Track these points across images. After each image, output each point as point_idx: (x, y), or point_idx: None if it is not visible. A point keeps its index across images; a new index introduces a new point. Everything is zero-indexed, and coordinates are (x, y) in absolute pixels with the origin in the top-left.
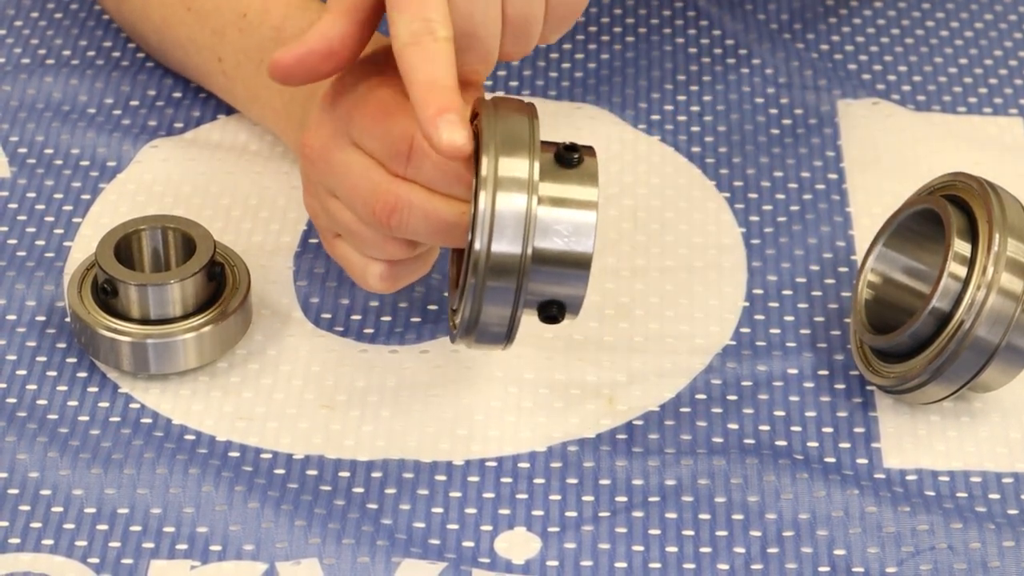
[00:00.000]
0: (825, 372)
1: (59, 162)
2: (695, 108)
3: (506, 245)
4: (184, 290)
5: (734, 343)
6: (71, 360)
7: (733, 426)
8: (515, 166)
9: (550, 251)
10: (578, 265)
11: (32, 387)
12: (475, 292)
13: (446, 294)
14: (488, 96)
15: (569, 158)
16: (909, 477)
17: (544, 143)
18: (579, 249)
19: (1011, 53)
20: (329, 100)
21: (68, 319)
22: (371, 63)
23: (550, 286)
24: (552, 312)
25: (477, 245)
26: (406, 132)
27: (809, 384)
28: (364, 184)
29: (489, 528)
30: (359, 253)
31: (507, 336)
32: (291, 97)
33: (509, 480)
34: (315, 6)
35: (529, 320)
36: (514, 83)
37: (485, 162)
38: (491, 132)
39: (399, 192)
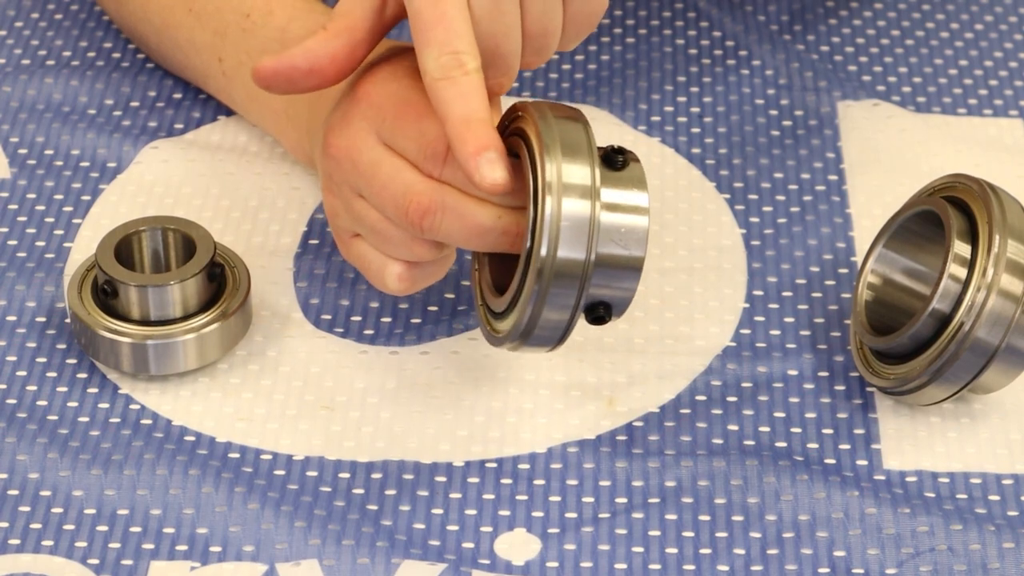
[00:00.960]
0: (825, 373)
1: (59, 163)
2: (695, 109)
3: (571, 251)
4: (184, 291)
5: (734, 344)
6: (71, 361)
7: (733, 427)
8: (578, 172)
9: (611, 256)
10: (632, 268)
11: (32, 388)
12: (537, 298)
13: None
14: (528, 100)
15: (616, 160)
16: (909, 478)
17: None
18: (635, 253)
19: (1011, 55)
20: (355, 98)
21: (68, 320)
22: (398, 59)
23: (604, 289)
24: (600, 313)
25: (543, 251)
26: (441, 133)
27: (809, 385)
28: (395, 185)
29: (489, 529)
30: (380, 252)
31: (560, 339)
32: (292, 99)
33: (509, 481)
34: (320, 7)
35: None
36: (514, 84)
37: (549, 167)
38: (551, 137)
39: (433, 194)
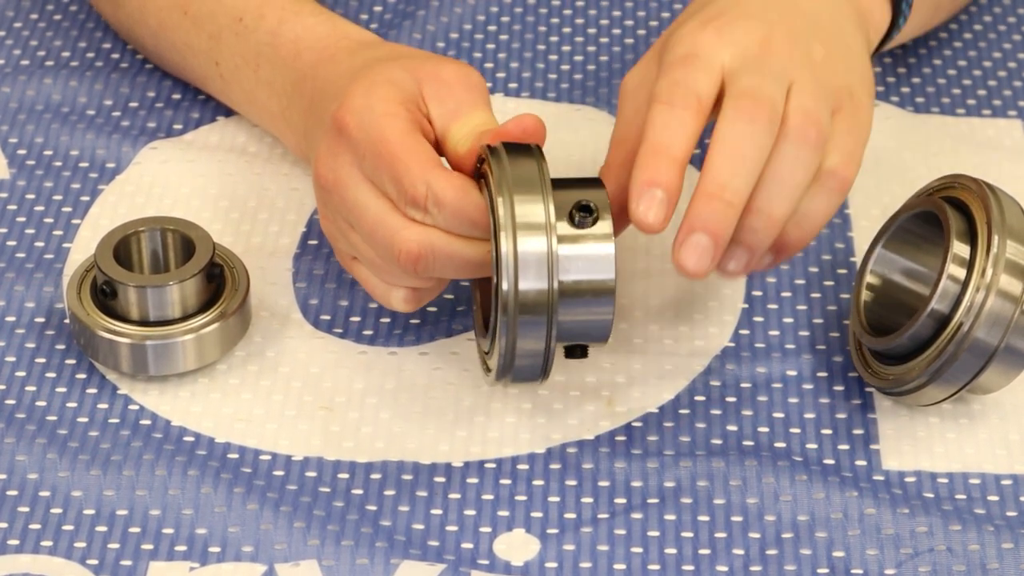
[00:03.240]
0: (824, 374)
1: (58, 164)
2: None
3: (532, 283)
4: (183, 292)
5: (733, 345)
6: (70, 361)
7: (732, 428)
8: (532, 208)
9: (576, 283)
10: (604, 292)
11: (31, 388)
12: (507, 330)
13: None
14: (489, 142)
15: (583, 220)
16: (908, 479)
17: (555, 181)
18: (603, 278)
19: (1010, 55)
20: (337, 129)
21: (67, 320)
22: (377, 81)
23: (577, 315)
24: (576, 354)
25: (504, 286)
26: (419, 179)
27: (808, 386)
28: (383, 230)
29: (488, 529)
30: (381, 281)
31: (543, 370)
32: (288, 103)
33: (508, 481)
34: (308, 8)
35: None
36: (513, 84)
37: (502, 206)
38: (504, 177)
39: (420, 239)
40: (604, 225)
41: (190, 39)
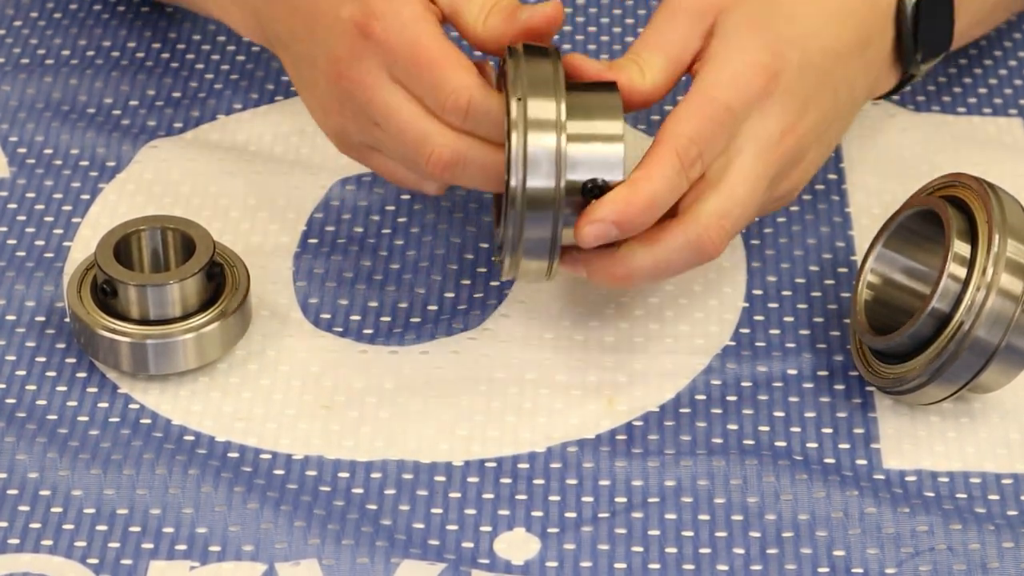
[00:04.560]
0: (825, 373)
1: (58, 162)
2: None
3: (540, 181)
4: (183, 290)
5: (734, 344)
6: (70, 360)
7: (733, 427)
8: (543, 107)
9: (583, 183)
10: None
11: (31, 387)
12: (516, 222)
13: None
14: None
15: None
16: (909, 478)
17: (571, 85)
18: (613, 179)
19: (1010, 54)
20: (363, 34)
21: (67, 319)
22: None
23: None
24: (596, 193)
25: (513, 182)
26: (462, 85)
27: (808, 385)
28: (414, 132)
29: (488, 529)
30: (411, 171)
31: (549, 266)
32: None
33: (508, 481)
34: None
35: (529, 323)
36: None
37: (515, 106)
38: (519, 77)
39: (455, 146)
40: (614, 126)
41: None
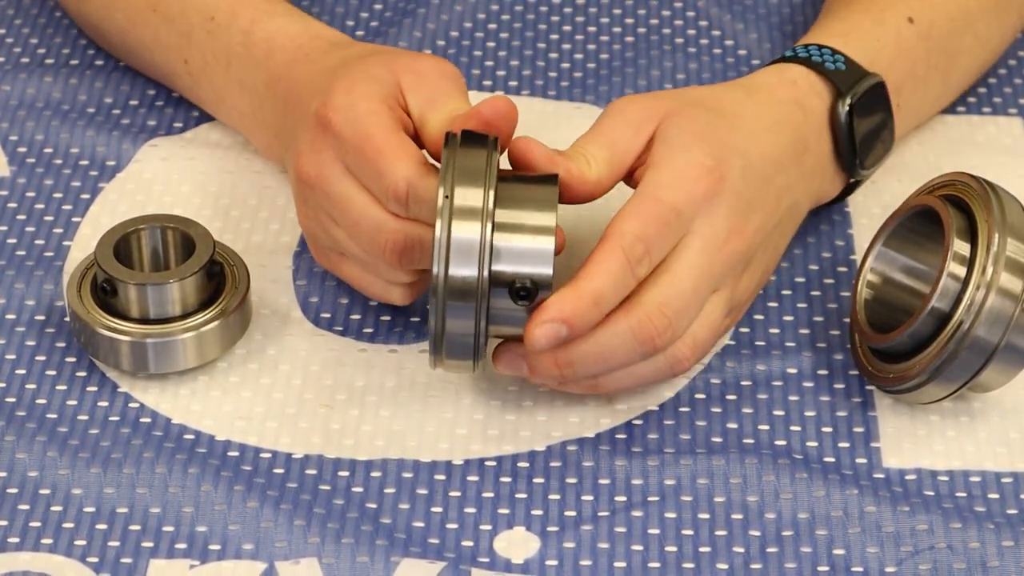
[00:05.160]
0: (824, 372)
1: (58, 161)
2: None
3: (462, 270)
4: (183, 289)
5: (733, 343)
6: (70, 359)
7: (732, 425)
8: (472, 196)
9: (508, 273)
10: (539, 287)
11: (31, 386)
12: (436, 312)
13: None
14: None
15: (519, 293)
16: (908, 477)
17: (508, 175)
18: (541, 271)
19: (1010, 53)
20: (322, 126)
21: (67, 318)
22: (357, 77)
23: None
24: (525, 295)
25: (435, 270)
26: (401, 175)
27: (808, 384)
28: (367, 223)
29: (488, 527)
30: (376, 277)
31: (475, 354)
32: (260, 103)
33: (508, 479)
34: (281, 8)
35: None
36: (513, 83)
37: (441, 194)
38: (449, 165)
39: (407, 232)
40: (546, 217)
41: (159, 36)
